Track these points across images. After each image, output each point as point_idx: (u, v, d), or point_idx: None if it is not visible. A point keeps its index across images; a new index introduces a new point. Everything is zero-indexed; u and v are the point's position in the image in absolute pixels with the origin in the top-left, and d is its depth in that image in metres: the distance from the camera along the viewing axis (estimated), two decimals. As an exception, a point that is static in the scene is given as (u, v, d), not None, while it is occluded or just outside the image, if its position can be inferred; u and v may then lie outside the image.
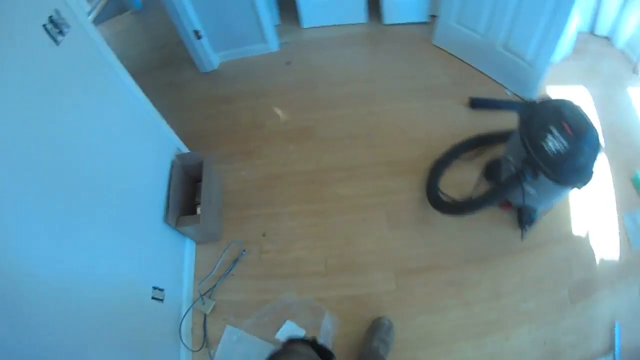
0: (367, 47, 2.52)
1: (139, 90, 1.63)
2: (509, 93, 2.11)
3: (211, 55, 2.50)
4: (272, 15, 2.50)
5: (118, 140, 1.44)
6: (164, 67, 2.65)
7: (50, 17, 1.15)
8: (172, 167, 1.77)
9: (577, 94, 2.06)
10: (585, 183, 1.26)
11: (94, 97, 1.35)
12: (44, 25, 1.12)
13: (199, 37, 2.33)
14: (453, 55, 2.35)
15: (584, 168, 1.26)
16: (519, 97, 2.08)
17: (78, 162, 1.21)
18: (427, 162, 1.84)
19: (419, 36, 2.49)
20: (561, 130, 1.24)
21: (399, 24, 2.57)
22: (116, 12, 3.21)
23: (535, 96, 2.00)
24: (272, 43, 2.51)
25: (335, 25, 2.64)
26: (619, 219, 1.66)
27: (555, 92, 2.05)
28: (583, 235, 1.63)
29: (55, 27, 1.17)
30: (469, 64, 2.29)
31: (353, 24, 2.62)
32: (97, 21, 3.00)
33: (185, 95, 2.44)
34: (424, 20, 2.54)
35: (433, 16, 2.49)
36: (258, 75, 2.47)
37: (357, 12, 2.58)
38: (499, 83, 2.17)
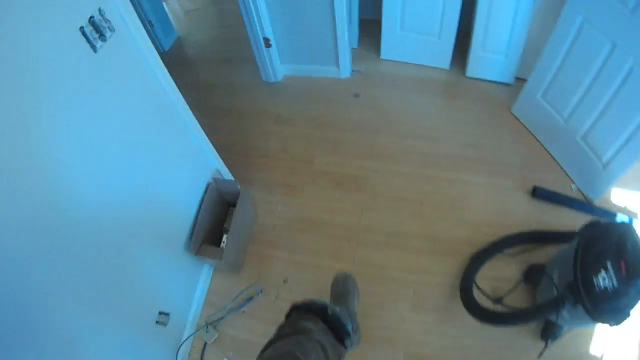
0: (442, 98, 2.37)
1: (188, 111, 1.52)
2: (573, 187, 1.97)
3: (277, 66, 2.41)
4: (350, 38, 2.36)
5: (152, 158, 1.36)
6: (227, 63, 2.56)
7: (91, 18, 0.98)
8: (206, 190, 1.71)
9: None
10: (618, 323, 1.21)
11: (130, 112, 1.22)
12: (81, 28, 0.96)
13: (268, 46, 2.22)
14: (528, 130, 2.19)
15: (623, 309, 1.21)
16: (582, 194, 1.94)
17: (103, 176, 1.11)
18: (470, 248, 1.73)
19: (498, 99, 2.31)
20: (616, 268, 1.19)
21: (481, 79, 2.39)
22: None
23: (600, 197, 1.88)
24: (344, 69, 2.39)
25: (415, 64, 2.48)
26: (639, 347, 1.54)
27: (618, 196, 1.91)
28: (598, 357, 1.53)
29: (96, 30, 1.01)
30: (541, 144, 2.13)
31: (434, 68, 2.47)
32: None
33: (241, 102, 2.37)
34: (507, 81, 2.36)
35: (518, 78, 2.33)
36: (321, 101, 2.37)
37: (442, 57, 2.41)
38: (566, 174, 2.02)
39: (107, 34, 1.04)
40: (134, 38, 1.17)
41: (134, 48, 1.19)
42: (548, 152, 2.10)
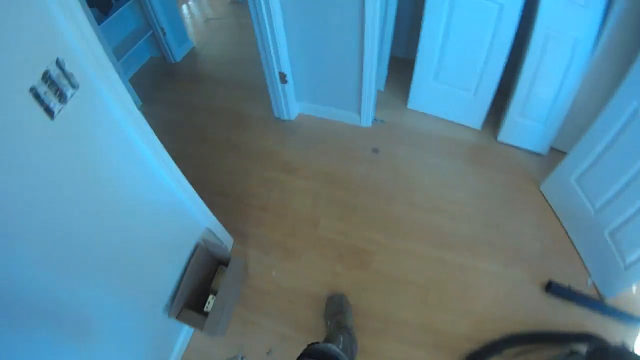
0: (468, 165, 2.20)
1: (175, 171, 1.36)
2: (589, 282, 1.84)
3: (291, 104, 2.25)
4: (377, 79, 2.15)
5: (130, 222, 1.20)
6: (239, 87, 2.38)
7: (46, 73, 0.75)
8: (194, 250, 1.59)
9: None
10: None
11: (100, 183, 1.02)
12: (33, 90, 0.72)
13: (284, 82, 2.03)
14: (554, 211, 2.04)
15: None
16: (597, 291, 1.80)
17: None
18: (470, 344, 1.61)
19: (528, 171, 2.16)
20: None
21: (513, 146, 2.22)
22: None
23: (615, 296, 1.74)
24: (366, 118, 2.22)
25: (444, 119, 2.31)
26: None
27: (634, 295, 1.74)
28: None
29: (52, 89, 0.77)
30: (565, 230, 1.98)
31: (464, 126, 2.30)
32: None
33: (247, 137, 2.24)
34: (541, 151, 2.20)
35: (553, 148, 2.17)
36: (336, 152, 2.20)
37: (475, 116, 2.24)
38: (585, 266, 1.88)
39: (68, 92, 0.81)
40: (105, 95, 0.94)
41: (105, 107, 0.96)
42: (570, 239, 1.95)
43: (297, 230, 1.91)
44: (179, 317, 1.51)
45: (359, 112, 2.20)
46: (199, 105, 2.55)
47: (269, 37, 1.92)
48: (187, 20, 2.99)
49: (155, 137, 1.21)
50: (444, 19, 2.00)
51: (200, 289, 1.70)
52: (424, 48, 2.14)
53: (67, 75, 0.80)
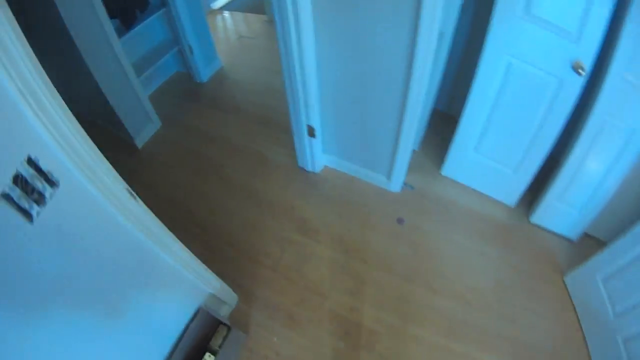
0: (494, 246, 2.14)
1: (178, 249, 1.33)
2: None
3: (317, 157, 2.22)
4: (414, 141, 2.02)
5: (128, 301, 1.19)
6: (264, 125, 2.32)
7: (17, 176, 0.68)
8: (196, 313, 1.61)
9: None
10: None
11: (93, 275, 0.99)
12: (4, 195, 0.66)
13: (312, 135, 1.93)
14: (573, 305, 2.00)
15: None
16: None
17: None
18: None
19: (556, 258, 2.12)
20: None
21: (544, 229, 2.15)
22: (251, 8, 2.59)
23: None
24: (396, 183, 2.19)
25: (477, 191, 2.26)
26: None
27: None
28: None
29: (27, 191, 0.70)
30: (580, 326, 1.93)
31: (497, 202, 2.26)
32: (227, 7, 2.48)
33: (266, 185, 2.21)
34: (572, 237, 2.16)
35: (585, 234, 2.10)
36: (358, 217, 2.16)
37: (511, 194, 2.21)
38: None
39: (47, 192, 0.75)
40: (90, 188, 0.87)
41: (92, 201, 0.90)
42: (583, 335, 1.92)
43: (305, 299, 1.92)
44: (175, 379, 1.55)
45: (389, 177, 2.16)
46: (220, 138, 2.52)
47: (300, 88, 1.84)
48: (220, 34, 2.91)
49: (155, 221, 1.17)
50: (496, 87, 1.93)
51: (197, 345, 1.71)
52: (469, 117, 2.08)
53: (43, 173, 0.73)
